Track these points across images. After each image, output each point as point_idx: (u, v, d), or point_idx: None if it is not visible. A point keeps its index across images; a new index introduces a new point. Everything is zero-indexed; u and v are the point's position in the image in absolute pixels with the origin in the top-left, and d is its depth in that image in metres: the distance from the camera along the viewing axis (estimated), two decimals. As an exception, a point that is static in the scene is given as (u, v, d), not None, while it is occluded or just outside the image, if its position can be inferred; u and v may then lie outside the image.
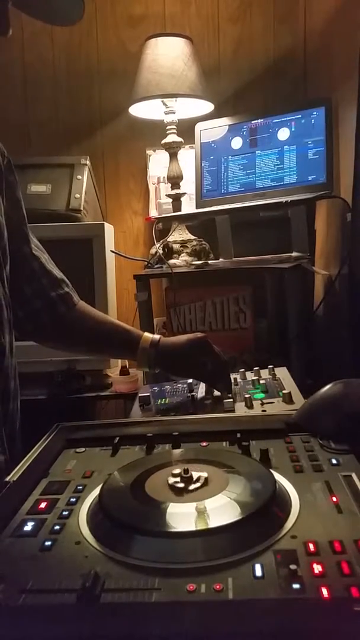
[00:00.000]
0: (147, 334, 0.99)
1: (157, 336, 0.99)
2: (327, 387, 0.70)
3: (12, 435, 0.87)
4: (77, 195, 1.62)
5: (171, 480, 0.52)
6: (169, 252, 1.60)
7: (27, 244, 0.97)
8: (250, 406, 0.84)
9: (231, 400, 0.87)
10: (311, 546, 0.43)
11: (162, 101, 1.64)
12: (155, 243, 1.64)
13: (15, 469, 0.63)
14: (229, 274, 1.55)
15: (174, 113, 1.66)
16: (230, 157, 1.64)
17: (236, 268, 1.55)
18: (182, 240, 1.63)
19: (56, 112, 1.99)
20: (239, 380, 1.00)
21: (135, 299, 1.52)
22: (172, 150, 1.67)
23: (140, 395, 1.00)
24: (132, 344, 0.98)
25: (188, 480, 0.52)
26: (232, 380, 0.99)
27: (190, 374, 1.02)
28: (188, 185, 1.74)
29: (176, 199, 1.69)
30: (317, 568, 0.40)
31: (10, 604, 0.39)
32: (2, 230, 0.88)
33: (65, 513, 0.51)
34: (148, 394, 1.00)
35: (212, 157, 1.67)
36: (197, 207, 1.69)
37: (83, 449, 0.68)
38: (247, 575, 0.41)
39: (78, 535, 0.48)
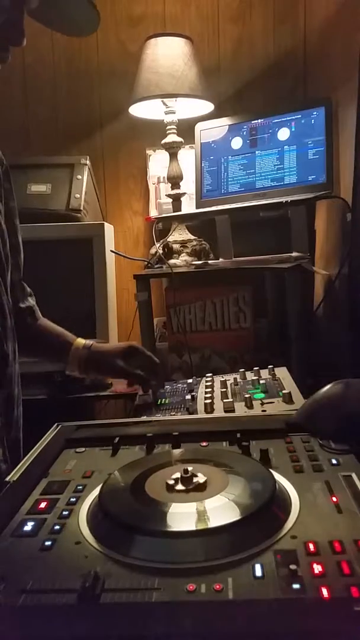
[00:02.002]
0: (80, 339, 1.03)
1: (90, 341, 1.03)
2: (327, 387, 0.70)
3: (15, 442, 0.87)
4: (77, 195, 1.62)
5: (171, 480, 0.52)
6: (169, 252, 1.60)
7: (19, 255, 0.98)
8: (250, 406, 0.84)
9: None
10: (311, 546, 0.43)
11: (162, 101, 1.64)
12: (155, 243, 1.64)
13: (15, 469, 0.63)
14: (229, 274, 1.56)
15: (174, 113, 1.66)
16: (230, 157, 1.64)
17: (236, 268, 1.55)
18: (182, 240, 1.64)
19: (56, 113, 1.99)
20: (239, 380, 1.00)
21: (135, 299, 1.52)
22: (172, 150, 1.67)
23: (140, 395, 1.00)
24: (65, 347, 1.01)
25: (188, 480, 0.52)
26: (164, 380, 1.05)
27: (119, 374, 1.05)
28: (188, 185, 1.74)
29: (176, 199, 1.69)
30: (317, 568, 0.40)
31: (10, 604, 0.39)
32: (4, 238, 0.88)
33: (65, 513, 0.51)
34: (148, 394, 1.00)
35: (212, 157, 1.67)
36: (197, 207, 1.69)
37: (83, 449, 0.68)
38: (247, 575, 0.40)
39: (78, 535, 0.48)
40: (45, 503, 0.54)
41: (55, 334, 1.04)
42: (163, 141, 1.67)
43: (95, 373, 1.06)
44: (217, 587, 0.39)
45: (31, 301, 1.03)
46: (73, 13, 0.83)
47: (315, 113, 1.50)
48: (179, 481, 0.52)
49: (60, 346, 1.02)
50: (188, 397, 0.94)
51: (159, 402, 0.96)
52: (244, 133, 1.62)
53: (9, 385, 0.86)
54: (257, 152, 1.59)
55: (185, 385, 1.03)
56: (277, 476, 0.54)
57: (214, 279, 1.54)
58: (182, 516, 0.47)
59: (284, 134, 1.55)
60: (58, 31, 0.91)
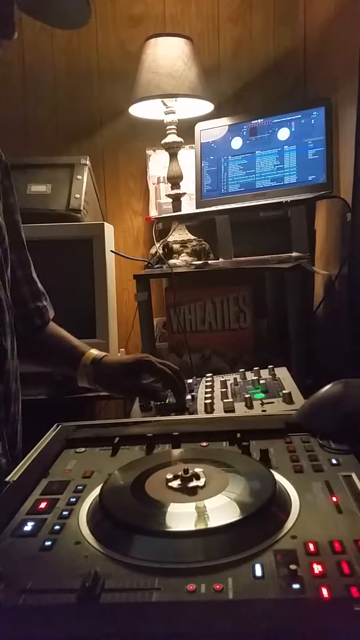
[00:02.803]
0: (92, 351, 0.97)
1: (101, 354, 0.97)
2: (327, 387, 0.70)
3: (13, 438, 0.87)
4: (77, 195, 1.62)
5: (171, 480, 0.52)
6: (169, 252, 1.60)
7: (22, 250, 0.96)
8: (250, 406, 0.84)
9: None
10: (311, 546, 0.43)
11: (162, 101, 1.64)
12: (155, 243, 1.64)
13: (15, 469, 0.63)
14: (229, 274, 1.56)
15: (174, 113, 1.66)
16: (230, 157, 1.64)
17: (236, 268, 1.55)
18: (182, 240, 1.64)
19: (56, 112, 1.99)
20: (239, 380, 1.00)
21: (135, 299, 1.52)
22: (172, 150, 1.67)
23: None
24: (74, 360, 0.96)
25: (188, 480, 0.52)
26: (186, 392, 0.95)
27: (128, 392, 0.99)
28: (188, 185, 1.74)
29: (176, 199, 1.69)
30: (317, 568, 0.40)
31: (10, 604, 0.39)
32: (3, 233, 0.88)
33: (65, 513, 0.51)
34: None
35: (212, 157, 1.67)
36: (197, 207, 1.69)
37: (83, 449, 0.68)
38: (247, 575, 0.40)
39: (78, 535, 0.48)
40: (45, 503, 0.54)
41: (66, 345, 0.99)
42: (163, 141, 1.67)
43: (105, 390, 0.99)
44: (217, 587, 0.39)
45: (41, 303, 0.99)
46: (64, 5, 0.81)
47: (315, 113, 1.50)
48: (179, 481, 0.52)
49: (69, 359, 0.97)
50: (188, 397, 0.94)
51: (159, 402, 0.96)
52: (244, 133, 1.62)
53: (7, 381, 0.86)
54: (257, 152, 1.59)
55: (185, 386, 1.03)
56: (277, 476, 0.54)
57: (214, 279, 1.54)
58: (182, 516, 0.47)
59: (284, 134, 1.55)
60: (49, 24, 0.90)
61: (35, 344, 0.97)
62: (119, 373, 0.95)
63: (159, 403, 0.93)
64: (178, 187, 1.68)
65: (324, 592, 0.38)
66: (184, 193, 1.69)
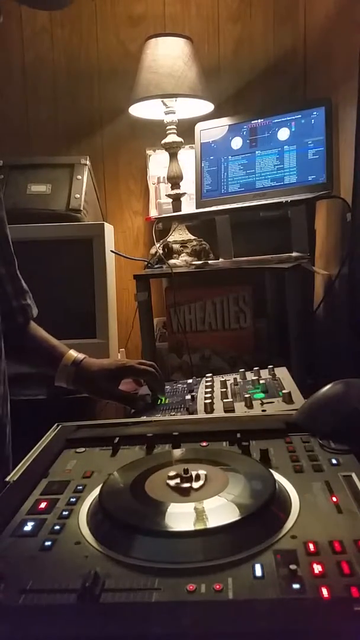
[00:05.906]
0: (72, 352, 0.98)
1: (81, 355, 0.98)
2: (327, 387, 0.70)
3: (2, 441, 0.87)
4: (77, 195, 1.62)
5: (171, 480, 0.52)
6: (169, 252, 1.60)
7: (7, 248, 0.95)
8: (250, 406, 0.84)
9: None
10: (311, 546, 0.43)
11: (162, 101, 1.64)
12: (155, 243, 1.64)
13: (15, 469, 0.63)
14: (229, 274, 1.56)
15: (174, 113, 1.66)
16: (230, 157, 1.64)
17: (236, 268, 1.55)
18: (182, 240, 1.64)
19: (56, 112, 1.99)
20: (239, 380, 0.99)
21: (135, 299, 1.52)
22: (172, 150, 1.67)
23: (140, 395, 1.00)
24: (54, 360, 0.97)
25: (188, 480, 0.52)
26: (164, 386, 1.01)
27: (106, 396, 1.00)
28: (188, 185, 1.74)
29: (176, 199, 1.69)
30: (317, 568, 0.40)
31: (10, 604, 0.39)
32: None
33: (65, 513, 0.51)
34: (148, 394, 1.00)
35: (212, 157, 1.67)
36: (197, 207, 1.69)
37: (83, 449, 0.68)
38: (247, 575, 0.40)
39: (78, 535, 0.48)
40: (45, 503, 0.54)
41: (46, 344, 0.99)
42: (163, 141, 1.67)
43: (83, 391, 1.00)
44: (217, 587, 0.39)
45: (24, 301, 0.98)
46: None
47: (315, 113, 1.50)
48: (179, 481, 0.52)
49: (49, 358, 0.98)
50: (188, 397, 0.94)
51: (159, 402, 0.96)
52: (244, 133, 1.62)
53: None
54: (257, 152, 1.59)
55: (185, 385, 1.03)
56: (277, 476, 0.54)
57: (214, 279, 1.54)
58: (182, 516, 0.47)
59: (284, 134, 1.55)
60: (32, 6, 0.86)
61: (16, 342, 0.96)
62: (99, 377, 0.96)
63: (133, 411, 0.96)
64: (178, 187, 1.68)
65: (324, 592, 0.38)
66: (184, 193, 1.69)
